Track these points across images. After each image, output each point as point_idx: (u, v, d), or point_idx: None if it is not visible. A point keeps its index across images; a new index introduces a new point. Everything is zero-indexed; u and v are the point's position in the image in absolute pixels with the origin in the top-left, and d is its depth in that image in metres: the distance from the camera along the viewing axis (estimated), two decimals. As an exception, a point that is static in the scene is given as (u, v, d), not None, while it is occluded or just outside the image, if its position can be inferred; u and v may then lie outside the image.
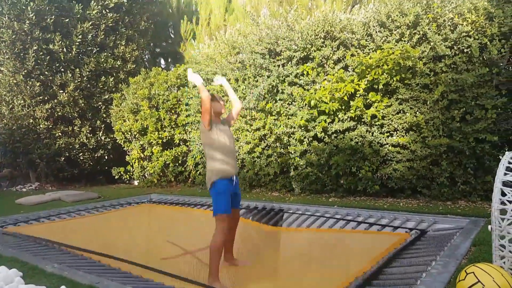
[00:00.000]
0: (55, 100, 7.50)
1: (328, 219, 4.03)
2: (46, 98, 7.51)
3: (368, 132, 4.87)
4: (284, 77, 5.43)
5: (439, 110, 4.45)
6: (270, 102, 5.55)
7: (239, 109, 3.19)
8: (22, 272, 2.59)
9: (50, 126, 7.62)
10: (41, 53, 7.21)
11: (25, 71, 7.25)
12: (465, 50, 4.34)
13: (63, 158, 7.71)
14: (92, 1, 7.48)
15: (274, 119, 5.55)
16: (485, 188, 4.32)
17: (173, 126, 7.00)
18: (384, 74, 4.58)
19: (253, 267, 3.07)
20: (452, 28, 4.45)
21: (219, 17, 9.34)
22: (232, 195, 2.83)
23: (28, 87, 7.27)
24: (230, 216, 2.80)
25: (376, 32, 4.84)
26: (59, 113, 7.62)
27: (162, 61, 10.86)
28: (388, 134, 4.79)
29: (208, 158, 2.84)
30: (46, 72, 7.38)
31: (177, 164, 6.99)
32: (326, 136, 5.12)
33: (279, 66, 5.50)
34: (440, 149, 4.40)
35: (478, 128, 4.22)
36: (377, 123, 4.82)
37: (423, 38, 4.61)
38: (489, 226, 2.04)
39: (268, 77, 5.57)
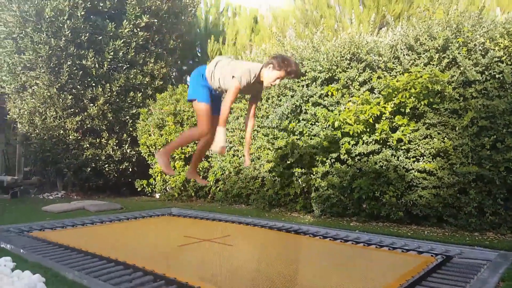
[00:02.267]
0: (85, 113, 7.78)
1: (347, 241, 3.93)
2: (77, 110, 7.80)
3: (393, 156, 4.76)
4: (308, 97, 5.43)
5: (468, 136, 4.31)
6: (293, 122, 5.54)
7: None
8: (45, 278, 2.65)
9: (79, 137, 7.89)
10: (74, 68, 7.54)
11: (59, 84, 7.58)
12: (497, 76, 4.22)
13: (89, 169, 7.92)
14: (125, 20, 7.80)
15: (296, 138, 5.53)
16: (517, 220, 4.11)
17: (196, 141, 7.09)
18: (412, 97, 4.50)
19: (261, 267, 3.08)
20: (483, 53, 4.35)
21: (245, 37, 9.52)
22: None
23: (60, 99, 7.58)
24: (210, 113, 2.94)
25: (404, 55, 4.79)
26: (88, 125, 7.89)
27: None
28: (414, 159, 4.66)
29: None
30: (78, 86, 7.69)
31: (198, 180, 7.04)
32: (349, 158, 5.04)
33: (303, 86, 5.51)
34: (469, 177, 4.24)
35: (509, 157, 4.05)
36: (403, 147, 4.71)
37: (453, 62, 4.52)
38: None
39: (292, 96, 5.58)
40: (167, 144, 3.39)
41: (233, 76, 3.01)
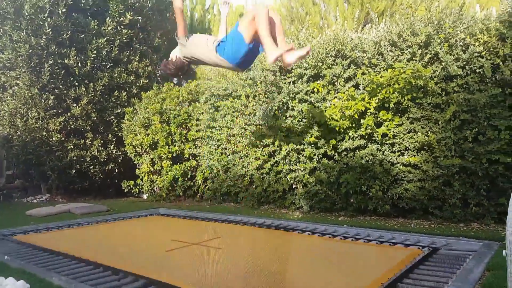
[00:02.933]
0: (68, 114, 7.63)
1: (336, 236, 3.98)
2: (59, 111, 7.64)
3: (378, 151, 4.83)
4: (294, 94, 5.46)
5: (451, 130, 4.41)
6: (280, 119, 5.57)
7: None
8: (29, 284, 2.59)
9: (63, 138, 7.73)
10: (56, 67, 7.38)
11: (40, 84, 7.41)
12: (477, 71, 4.32)
13: (74, 171, 7.78)
14: (108, 18, 7.67)
15: (284, 135, 5.56)
16: (498, 211, 4.23)
17: (183, 140, 7.05)
18: (395, 93, 4.58)
19: (251, 269, 3.08)
20: (464, 49, 4.45)
21: (231, 34, 9.48)
22: None
23: (42, 100, 7.42)
24: None
25: (387, 51, 4.86)
26: (72, 126, 7.74)
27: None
28: (399, 153, 4.75)
29: None
30: (60, 86, 7.53)
31: (186, 179, 7.01)
32: (336, 154, 5.09)
33: (289, 83, 5.53)
34: (452, 169, 4.34)
35: (491, 149, 4.16)
36: (388, 142, 4.79)
37: (435, 58, 4.61)
38: (504, 251, 1.98)
39: (279, 93, 5.60)
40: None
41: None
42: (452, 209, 4.40)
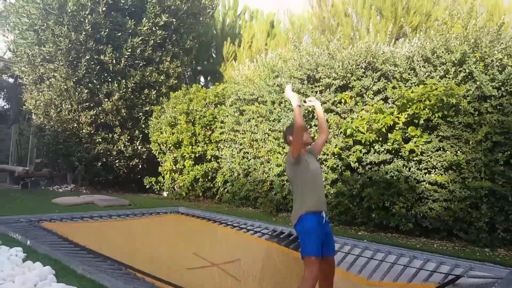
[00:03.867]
0: (100, 108, 7.90)
1: (358, 257, 3.90)
2: (91, 105, 7.93)
3: (405, 167, 4.73)
4: (321, 103, 5.43)
5: (481, 151, 4.28)
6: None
7: (325, 138, 2.93)
8: (54, 270, 2.69)
9: (92, 131, 8.00)
10: (92, 62, 7.68)
11: (76, 78, 7.72)
12: (514, 92, 4.19)
13: (100, 164, 8.03)
14: (144, 18, 7.93)
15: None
16: (528, 238, 4.06)
17: (207, 142, 7.15)
18: (426, 109, 4.49)
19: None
20: (500, 69, 4.33)
21: (261, 41, 9.59)
22: (323, 234, 2.50)
23: (76, 93, 7.71)
24: (320, 260, 2.42)
25: (420, 67, 4.78)
26: (102, 120, 8.00)
27: (202, 79, 11.23)
28: (426, 171, 4.63)
29: (295, 193, 2.58)
30: (94, 81, 7.82)
31: (206, 180, 7.08)
32: (360, 166, 5.03)
33: (317, 92, 5.52)
34: (481, 192, 4.20)
35: (524, 174, 4.01)
36: (415, 159, 4.68)
37: (469, 76, 4.50)
38: None
39: (305, 102, 5.60)
40: None
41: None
42: (478, 233, 4.24)
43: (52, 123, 8.10)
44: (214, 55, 10.92)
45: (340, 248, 4.09)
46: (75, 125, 7.92)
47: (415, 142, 4.62)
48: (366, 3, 8.12)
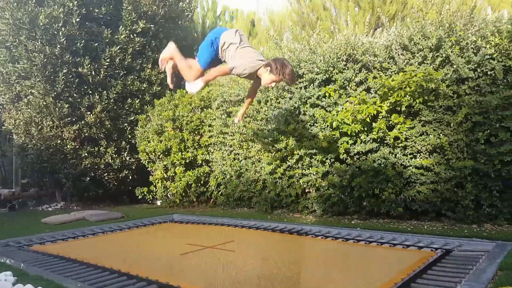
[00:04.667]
0: (83, 122, 7.77)
1: (348, 239, 4.02)
2: (74, 119, 7.79)
3: (391, 154, 4.87)
4: (306, 98, 5.52)
5: (463, 132, 4.44)
6: (292, 124, 5.63)
7: None
8: (47, 290, 2.65)
9: (77, 146, 7.87)
10: (70, 76, 7.54)
11: (55, 93, 7.57)
12: (489, 73, 4.35)
13: (88, 178, 7.90)
14: (121, 26, 7.83)
15: (296, 140, 5.62)
16: (511, 211, 4.24)
17: (196, 147, 7.15)
18: (407, 96, 4.62)
19: (265, 272, 3.14)
20: (475, 51, 4.49)
21: (241, 40, 9.58)
22: None
23: (57, 108, 7.57)
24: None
25: (399, 55, 4.91)
26: (86, 134, 7.88)
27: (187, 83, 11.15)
28: (412, 156, 4.77)
29: None
30: (74, 94, 7.69)
31: (199, 185, 7.09)
32: (348, 157, 5.14)
33: (301, 88, 5.60)
34: (465, 171, 4.36)
35: (503, 151, 4.17)
36: (400, 145, 4.82)
37: (446, 60, 4.65)
38: None
39: (290, 98, 5.67)
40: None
41: (232, 67, 3.49)
42: (465, 211, 4.41)
43: (34, 141, 7.93)
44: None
45: (334, 236, 4.19)
46: (59, 141, 7.78)
47: (399, 129, 4.76)
48: (344, -4, 8.24)
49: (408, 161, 4.73)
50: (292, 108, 5.63)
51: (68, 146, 7.78)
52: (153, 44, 8.35)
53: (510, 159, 4.15)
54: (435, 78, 4.48)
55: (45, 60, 7.38)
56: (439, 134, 4.59)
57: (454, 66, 4.51)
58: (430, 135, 4.61)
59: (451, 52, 4.52)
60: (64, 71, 7.45)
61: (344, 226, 4.65)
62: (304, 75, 5.54)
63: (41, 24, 7.26)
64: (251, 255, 3.81)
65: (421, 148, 4.67)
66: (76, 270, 3.30)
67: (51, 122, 7.74)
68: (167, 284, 2.75)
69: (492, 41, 4.35)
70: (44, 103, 7.60)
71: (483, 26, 4.50)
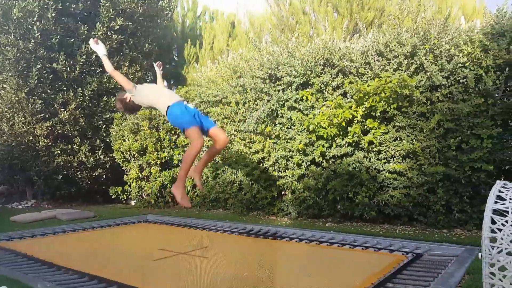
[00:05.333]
0: (56, 118, 7.56)
1: (322, 242, 4.02)
2: (47, 115, 7.57)
3: (365, 158, 4.91)
4: (283, 101, 5.52)
5: (435, 138, 4.52)
6: (270, 126, 5.62)
7: None
8: (13, 291, 2.56)
9: (50, 143, 7.64)
10: (44, 71, 7.33)
11: (28, 88, 7.34)
12: (461, 81, 4.45)
13: (61, 176, 7.69)
14: (98, 23, 7.66)
15: (273, 142, 5.61)
16: (481, 217, 4.31)
17: (173, 147, 7.04)
18: (382, 101, 4.67)
19: (238, 277, 3.08)
20: (448, 59, 4.58)
21: (222, 42, 9.56)
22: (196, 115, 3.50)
23: (29, 104, 7.34)
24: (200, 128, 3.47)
25: (375, 61, 4.97)
26: (59, 131, 7.66)
27: (165, 83, 10.99)
28: (385, 160, 4.83)
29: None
30: (48, 90, 7.47)
31: (174, 185, 6.97)
32: (324, 160, 5.16)
33: (279, 90, 5.60)
34: (436, 177, 4.44)
35: (473, 157, 4.27)
36: (374, 149, 4.87)
37: (420, 68, 4.73)
38: (479, 254, 2.06)
39: (268, 101, 5.66)
40: (180, 174, 3.76)
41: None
42: (436, 216, 4.49)
43: (5, 137, 7.66)
44: (176, 58, 10.75)
45: (308, 239, 4.19)
46: (31, 138, 7.54)
47: (373, 134, 4.81)
48: (323, 1, 8.32)
49: (382, 166, 4.79)
50: (270, 110, 5.61)
51: (40, 143, 7.54)
52: (131, 42, 8.20)
53: (480, 166, 4.25)
54: (409, 85, 4.55)
55: (18, 54, 7.15)
56: (412, 140, 4.66)
57: (428, 73, 4.59)
58: (404, 141, 4.68)
59: (425, 59, 4.61)
60: (38, 66, 7.23)
61: (318, 228, 4.66)
62: (282, 78, 5.54)
63: (15, 17, 7.03)
64: (225, 261, 3.67)
65: (395, 153, 4.73)
66: (43, 271, 3.18)
67: (23, 118, 7.50)
68: (127, 285, 2.67)
69: (465, 50, 4.45)
70: (16, 98, 7.36)
71: (456, 35, 4.61)
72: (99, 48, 3.65)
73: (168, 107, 3.73)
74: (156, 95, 3.93)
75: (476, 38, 4.47)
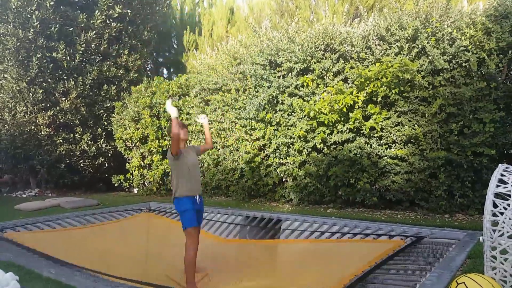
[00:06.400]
0: (57, 107, 7.57)
1: (323, 233, 4.03)
2: (48, 105, 7.58)
3: (366, 144, 4.89)
4: (284, 88, 5.48)
5: (437, 123, 4.48)
6: (270, 113, 5.59)
7: (208, 148, 3.63)
8: (18, 276, 2.61)
9: (52, 133, 7.67)
10: (44, 61, 7.31)
11: (28, 78, 7.33)
12: (464, 64, 4.39)
13: (64, 165, 7.74)
14: (97, 11, 7.59)
15: (273, 129, 5.59)
16: (482, 202, 4.29)
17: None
18: (383, 86, 4.63)
19: (244, 277, 3.08)
20: (450, 43, 4.51)
21: (221, 28, 9.45)
22: (197, 212, 3.07)
23: (31, 94, 7.34)
24: (197, 229, 3.05)
25: (376, 45, 4.90)
26: (61, 120, 7.68)
27: (165, 71, 10.97)
28: (387, 146, 4.81)
29: (173, 179, 3.08)
30: (49, 80, 7.46)
31: (176, 173, 7.00)
32: (325, 147, 5.14)
33: (279, 77, 5.55)
34: (438, 162, 4.41)
35: (476, 142, 4.24)
36: (375, 135, 4.84)
37: (422, 52, 4.67)
38: (481, 237, 2.06)
39: (269, 87, 5.62)
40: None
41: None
42: (437, 201, 4.48)
43: (7, 127, 7.69)
44: (175, 46, 10.66)
45: (309, 226, 4.21)
46: (33, 127, 7.56)
47: (374, 119, 4.77)
48: (323, -15, 8.16)
49: (383, 151, 4.77)
50: (270, 97, 5.58)
51: (42, 132, 7.57)
52: (130, 30, 8.14)
53: (483, 151, 4.22)
54: (411, 69, 4.49)
55: (18, 44, 7.12)
56: (414, 125, 4.62)
57: (430, 57, 4.52)
58: (405, 126, 4.64)
59: (427, 43, 4.54)
60: (38, 55, 7.21)
61: (320, 215, 4.67)
62: (282, 64, 5.49)
63: (14, 7, 6.98)
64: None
65: (396, 138, 4.70)
66: (46, 257, 3.22)
67: (24, 108, 7.52)
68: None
69: (467, 33, 4.37)
70: (18, 88, 7.36)
71: (458, 18, 4.52)
72: (173, 111, 3.06)
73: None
74: (178, 177, 3.11)
75: (479, 20, 4.38)
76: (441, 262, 2.78)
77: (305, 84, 5.34)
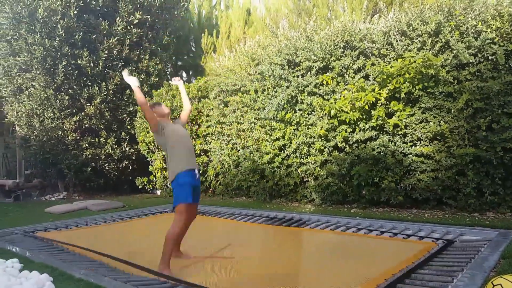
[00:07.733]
0: (83, 113, 7.79)
1: (349, 228, 3.98)
2: (74, 111, 7.81)
3: (390, 142, 4.79)
4: (303, 87, 5.45)
5: (464, 118, 4.35)
6: (290, 112, 5.57)
7: (188, 112, 3.46)
8: (52, 277, 2.69)
9: (78, 137, 7.90)
10: (69, 68, 7.54)
11: (55, 85, 7.58)
12: (490, 58, 4.24)
13: (90, 169, 7.96)
14: (118, 18, 7.77)
15: (293, 129, 5.56)
16: (515, 199, 4.16)
17: (194, 137, 7.12)
18: (406, 83, 4.52)
19: (265, 265, 3.10)
20: (475, 36, 4.36)
21: (238, 30, 9.48)
22: (193, 187, 2.97)
23: (57, 100, 7.59)
24: (189, 207, 2.94)
25: (397, 41, 4.80)
26: (86, 125, 7.90)
27: (184, 74, 11.10)
28: (412, 143, 4.70)
29: (169, 156, 3.00)
30: (74, 86, 7.69)
31: (198, 175, 7.07)
32: (347, 146, 5.07)
33: (298, 76, 5.52)
34: (466, 158, 4.27)
35: (505, 137, 4.08)
36: (399, 133, 4.74)
37: (446, 46, 4.54)
38: None
39: (288, 87, 5.60)
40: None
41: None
42: (466, 199, 4.34)
43: (36, 133, 7.98)
44: (193, 49, 10.78)
45: (335, 227, 4.15)
46: (60, 132, 7.82)
47: (398, 116, 4.68)
48: (341, -18, 8.05)
49: (408, 149, 4.66)
50: (290, 96, 5.56)
51: (69, 137, 7.81)
52: (150, 35, 8.29)
53: (513, 146, 4.07)
54: (434, 64, 4.38)
55: (44, 52, 7.37)
56: (439, 121, 4.50)
57: (454, 52, 4.39)
58: (430, 122, 4.52)
59: (451, 37, 4.41)
60: (64, 63, 7.44)
61: (343, 215, 4.61)
62: (301, 63, 5.46)
63: (40, 17, 7.24)
64: (252, 258, 3.41)
65: (421, 135, 4.58)
66: (78, 258, 3.32)
67: (52, 114, 7.77)
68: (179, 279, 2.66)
69: (493, 25, 4.22)
70: (45, 95, 7.62)
71: (483, 10, 4.37)
72: (132, 80, 3.05)
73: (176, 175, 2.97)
74: (172, 152, 3.04)
75: (505, 12, 4.22)
76: (473, 262, 2.69)
77: (324, 82, 5.29)
